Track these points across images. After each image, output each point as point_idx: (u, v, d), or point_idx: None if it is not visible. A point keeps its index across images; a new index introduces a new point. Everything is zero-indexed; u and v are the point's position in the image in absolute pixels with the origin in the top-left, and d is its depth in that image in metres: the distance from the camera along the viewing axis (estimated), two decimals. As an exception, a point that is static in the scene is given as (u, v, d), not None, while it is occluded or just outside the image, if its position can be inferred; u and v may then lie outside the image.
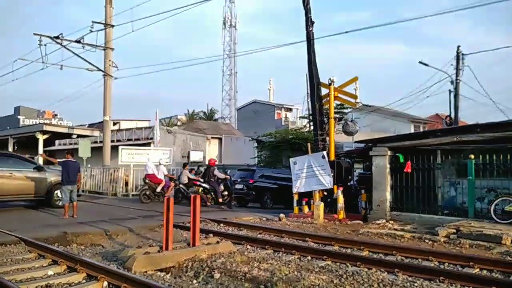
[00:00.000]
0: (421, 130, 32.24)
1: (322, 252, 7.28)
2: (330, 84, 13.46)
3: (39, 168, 12.90)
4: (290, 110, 48.21)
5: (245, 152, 31.09)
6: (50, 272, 5.98)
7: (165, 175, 16.41)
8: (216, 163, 16.27)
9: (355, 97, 14.86)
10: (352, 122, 14.50)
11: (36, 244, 7.43)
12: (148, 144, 25.71)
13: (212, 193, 15.10)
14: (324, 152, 12.76)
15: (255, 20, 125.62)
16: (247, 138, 34.38)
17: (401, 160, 11.46)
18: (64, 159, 11.73)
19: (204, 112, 57.02)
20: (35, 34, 19.16)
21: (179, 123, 49.32)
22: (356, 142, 16.60)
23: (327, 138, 13.69)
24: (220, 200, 14.81)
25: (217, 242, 7.48)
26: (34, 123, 39.69)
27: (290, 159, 13.92)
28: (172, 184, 15.86)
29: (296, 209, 13.10)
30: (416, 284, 5.42)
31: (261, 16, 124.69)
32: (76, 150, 20.68)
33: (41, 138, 22.62)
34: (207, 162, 28.73)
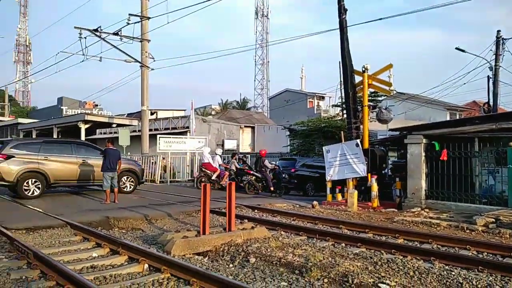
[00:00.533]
0: (457, 118, 31.22)
1: (356, 239, 7.29)
2: (363, 72, 13.27)
3: None
4: (322, 98, 47.69)
5: (278, 140, 31.16)
6: (94, 254, 6.30)
7: (220, 165, 17.23)
8: (267, 153, 17.02)
9: (389, 84, 14.56)
10: (386, 110, 14.22)
11: (81, 227, 7.83)
12: (184, 133, 26.33)
13: (263, 181, 15.79)
14: (358, 140, 12.65)
15: (287, 10, 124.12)
16: (280, 126, 34.38)
17: (437, 148, 11.23)
18: (105, 147, 12.20)
19: (237, 102, 57.45)
20: (75, 27, 19.83)
21: (213, 112, 49.95)
22: (390, 130, 16.34)
23: (361, 126, 13.55)
24: (272, 188, 15.46)
25: (252, 228, 7.60)
26: (76, 113, 41.19)
27: (324, 147, 13.89)
28: (227, 173, 16.64)
29: (329, 196, 13.12)
30: (453, 273, 5.31)
31: (293, 5, 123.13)
32: (116, 138, 21.37)
33: (83, 127, 23.54)
34: (241, 150, 29.32)
